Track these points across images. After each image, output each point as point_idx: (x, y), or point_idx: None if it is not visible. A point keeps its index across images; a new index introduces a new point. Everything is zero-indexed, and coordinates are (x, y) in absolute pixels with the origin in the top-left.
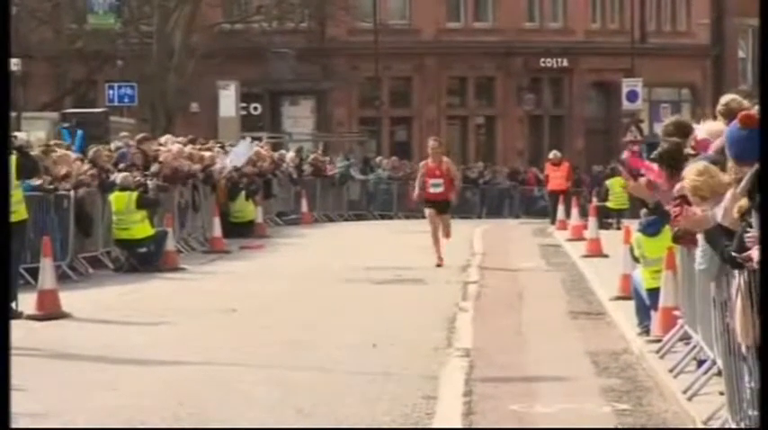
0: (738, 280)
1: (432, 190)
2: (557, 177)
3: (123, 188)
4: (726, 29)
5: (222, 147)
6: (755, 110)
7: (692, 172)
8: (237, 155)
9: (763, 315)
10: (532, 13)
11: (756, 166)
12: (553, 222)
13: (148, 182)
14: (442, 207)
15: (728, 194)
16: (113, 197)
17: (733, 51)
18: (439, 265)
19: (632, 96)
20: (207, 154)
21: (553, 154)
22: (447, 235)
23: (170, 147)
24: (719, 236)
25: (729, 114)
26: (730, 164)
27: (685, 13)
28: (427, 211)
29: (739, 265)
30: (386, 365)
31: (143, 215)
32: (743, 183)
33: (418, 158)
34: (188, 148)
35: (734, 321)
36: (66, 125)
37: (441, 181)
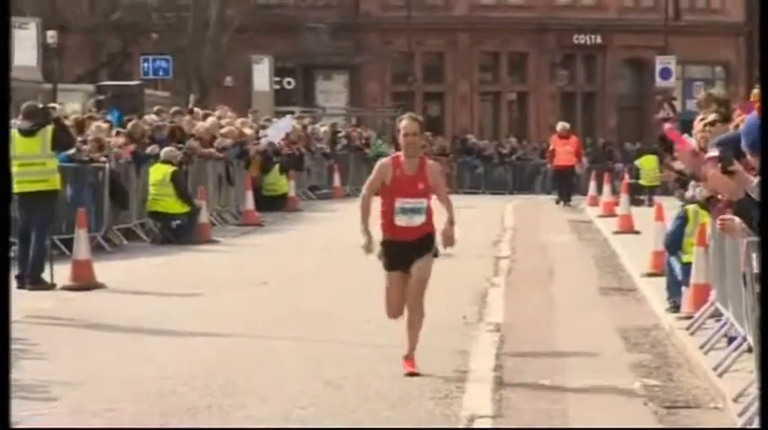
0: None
1: (402, 220)
2: (565, 152)
3: (165, 161)
4: (760, 6)
5: (257, 124)
6: None
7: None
8: (277, 130)
9: (764, 315)
10: None
11: None
12: (559, 202)
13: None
14: (421, 246)
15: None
16: (153, 169)
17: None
18: (411, 374)
19: (665, 74)
20: (247, 131)
21: (561, 126)
22: (417, 314)
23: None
24: (750, 205)
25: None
26: None
27: None
28: (386, 275)
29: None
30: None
31: (175, 190)
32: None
33: (451, 134)
34: (225, 123)
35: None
36: (102, 98)
37: (423, 203)
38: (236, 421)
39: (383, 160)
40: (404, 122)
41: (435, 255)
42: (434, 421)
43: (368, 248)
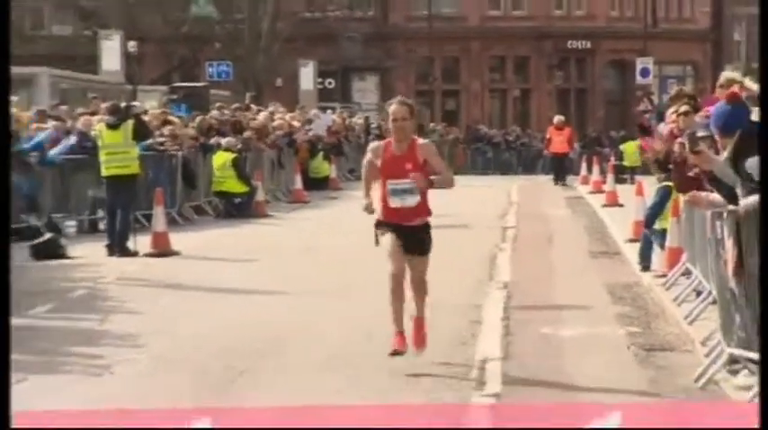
0: (730, 224)
1: (395, 201)
2: (560, 141)
3: (226, 149)
4: (724, 16)
5: (303, 118)
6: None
7: None
8: (320, 125)
9: (763, 314)
10: (561, 1)
11: (737, 137)
12: (556, 182)
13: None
14: (415, 238)
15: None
16: (216, 156)
17: (729, 35)
18: (396, 353)
19: (644, 73)
20: (295, 123)
21: (557, 119)
22: (420, 288)
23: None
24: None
25: (729, 86)
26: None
27: (689, 1)
28: (387, 239)
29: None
30: (438, 295)
31: (236, 173)
32: (727, 152)
33: (465, 125)
34: (276, 117)
35: (726, 258)
36: (174, 97)
37: (412, 184)
38: (287, 365)
39: (376, 142)
40: (392, 107)
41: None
42: (454, 363)
43: (369, 209)
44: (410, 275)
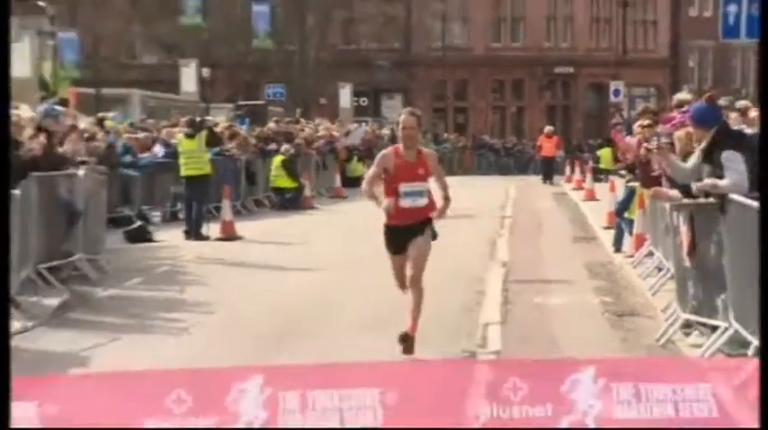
0: (685, 214)
1: (407, 202)
2: (549, 147)
3: (281, 154)
4: (680, 47)
5: (342, 129)
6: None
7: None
8: (356, 136)
9: (763, 315)
10: (549, 35)
11: (713, 132)
12: (546, 181)
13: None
14: (417, 229)
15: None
16: (273, 159)
17: (685, 62)
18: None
19: (616, 93)
20: (335, 134)
21: (547, 129)
22: (416, 289)
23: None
24: (679, 163)
25: (680, 105)
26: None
27: (653, 35)
28: (392, 262)
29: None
30: (450, 269)
31: (287, 173)
32: (702, 145)
33: (472, 135)
34: (320, 129)
35: (681, 242)
36: (239, 113)
37: (425, 186)
38: (330, 328)
39: (383, 151)
40: (402, 116)
41: (434, 238)
42: (462, 325)
43: (388, 209)
44: (408, 272)
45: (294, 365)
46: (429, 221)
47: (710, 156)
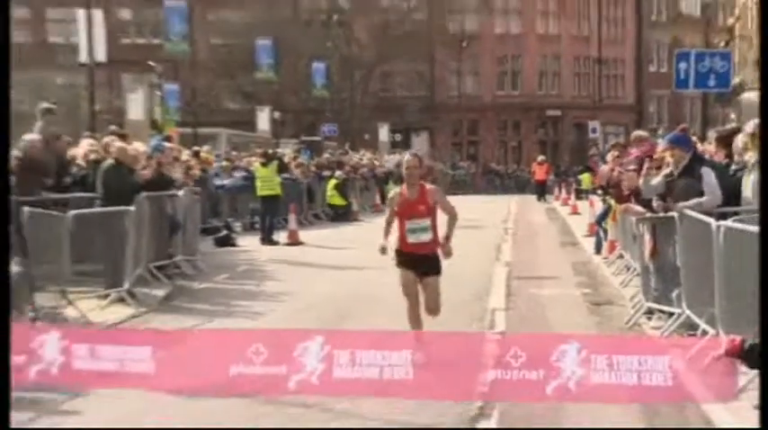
0: (648, 225)
1: (412, 238)
2: (542, 172)
3: (334, 178)
4: (643, 95)
5: (381, 159)
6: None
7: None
8: (391, 163)
9: (763, 315)
10: (541, 86)
11: (690, 153)
12: (539, 199)
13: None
14: (428, 262)
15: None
16: (328, 182)
17: (647, 107)
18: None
19: (594, 131)
20: (375, 163)
21: (541, 158)
22: (433, 310)
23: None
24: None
25: (638, 140)
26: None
27: (622, 86)
28: (401, 277)
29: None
30: (463, 269)
31: (338, 193)
32: (677, 170)
33: (482, 163)
34: (365, 159)
35: (645, 247)
36: (302, 146)
37: (426, 222)
38: (375, 311)
39: (394, 191)
40: (406, 157)
41: (438, 273)
42: (474, 311)
43: (383, 250)
44: (425, 301)
45: (347, 330)
46: (436, 257)
47: (692, 171)
